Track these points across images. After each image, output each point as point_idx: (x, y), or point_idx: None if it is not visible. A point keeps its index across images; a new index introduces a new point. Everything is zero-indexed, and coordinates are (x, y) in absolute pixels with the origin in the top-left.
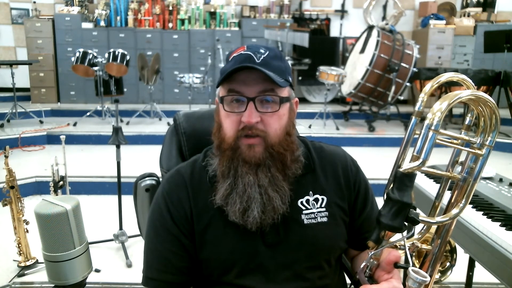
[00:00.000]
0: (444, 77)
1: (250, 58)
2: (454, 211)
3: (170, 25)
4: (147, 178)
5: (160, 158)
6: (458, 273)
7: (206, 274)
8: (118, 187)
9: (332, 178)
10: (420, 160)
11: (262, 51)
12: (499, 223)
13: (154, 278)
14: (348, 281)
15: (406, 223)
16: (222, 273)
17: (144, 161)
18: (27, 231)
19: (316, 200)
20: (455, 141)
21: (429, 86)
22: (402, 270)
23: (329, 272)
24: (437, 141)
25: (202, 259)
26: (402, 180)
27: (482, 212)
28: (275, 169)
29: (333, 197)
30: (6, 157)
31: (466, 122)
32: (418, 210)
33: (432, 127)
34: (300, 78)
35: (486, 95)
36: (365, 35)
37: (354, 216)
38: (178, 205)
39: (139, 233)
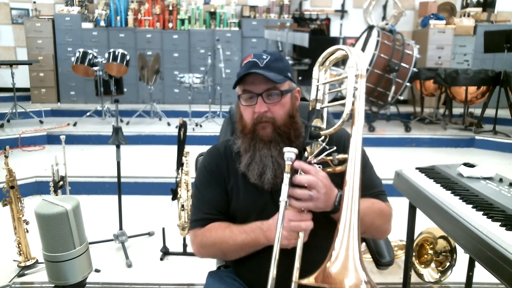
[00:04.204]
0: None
1: (255, 64)
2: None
3: (170, 25)
4: None
5: (218, 140)
6: (458, 273)
7: (232, 219)
8: (118, 187)
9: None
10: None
11: (264, 57)
12: (499, 223)
13: (201, 218)
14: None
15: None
16: (242, 220)
17: (144, 161)
18: (27, 231)
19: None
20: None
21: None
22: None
23: (326, 222)
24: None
25: (230, 208)
26: (311, 113)
27: (482, 212)
28: (283, 143)
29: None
30: (6, 157)
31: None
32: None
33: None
34: (300, 78)
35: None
36: (365, 35)
37: None
38: (216, 169)
39: (139, 233)
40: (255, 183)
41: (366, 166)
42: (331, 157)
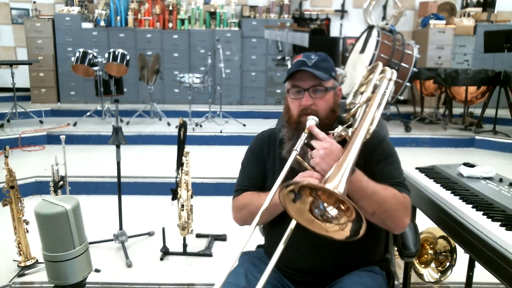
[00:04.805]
0: None
1: (304, 62)
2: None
3: (170, 25)
4: None
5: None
6: (458, 273)
7: None
8: (118, 187)
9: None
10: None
11: (312, 57)
12: (499, 223)
13: (239, 189)
14: None
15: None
16: None
17: (144, 161)
18: (27, 231)
19: None
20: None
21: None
22: None
23: None
24: None
25: (265, 186)
26: (346, 110)
27: (482, 212)
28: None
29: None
30: (6, 157)
31: None
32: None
33: None
34: None
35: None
36: (365, 35)
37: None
38: (258, 150)
39: (139, 233)
40: (293, 167)
41: (388, 157)
42: (346, 132)
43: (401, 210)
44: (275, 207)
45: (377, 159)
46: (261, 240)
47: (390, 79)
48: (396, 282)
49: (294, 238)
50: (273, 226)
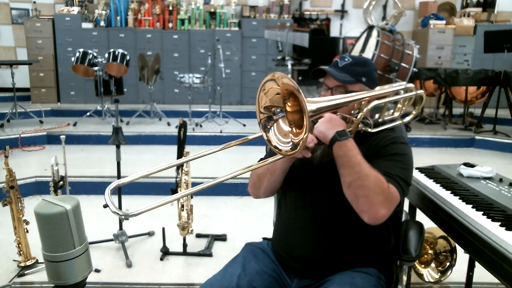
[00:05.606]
0: None
1: (336, 63)
2: None
3: (170, 25)
4: None
5: None
6: (458, 273)
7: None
8: (118, 187)
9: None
10: None
11: (346, 59)
12: (499, 223)
13: (260, 159)
14: None
15: None
16: (287, 180)
17: (144, 161)
18: (27, 231)
19: None
20: None
21: None
22: None
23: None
24: None
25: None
26: None
27: (482, 212)
28: None
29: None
30: (6, 157)
31: None
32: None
33: None
34: (300, 78)
35: None
36: (365, 35)
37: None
38: None
39: (139, 233)
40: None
41: (394, 155)
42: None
43: (379, 195)
44: (274, 165)
45: (382, 154)
46: (268, 234)
47: (405, 86)
48: (399, 287)
49: (294, 224)
50: (280, 218)
